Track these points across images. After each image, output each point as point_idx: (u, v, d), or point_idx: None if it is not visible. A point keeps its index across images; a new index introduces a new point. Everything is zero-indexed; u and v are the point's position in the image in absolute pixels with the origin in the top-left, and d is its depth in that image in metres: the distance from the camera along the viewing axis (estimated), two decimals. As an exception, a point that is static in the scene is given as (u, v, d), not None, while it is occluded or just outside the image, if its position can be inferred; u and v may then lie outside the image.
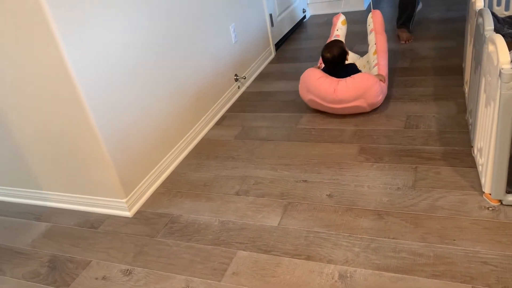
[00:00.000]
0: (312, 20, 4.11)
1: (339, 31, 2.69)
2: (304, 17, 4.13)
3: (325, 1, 4.11)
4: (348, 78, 2.18)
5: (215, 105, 2.55)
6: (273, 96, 2.73)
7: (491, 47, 1.44)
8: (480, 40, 1.64)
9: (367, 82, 2.14)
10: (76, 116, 1.69)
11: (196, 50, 2.35)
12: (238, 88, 2.83)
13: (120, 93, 1.82)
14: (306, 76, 2.32)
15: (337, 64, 2.30)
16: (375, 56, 2.43)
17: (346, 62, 2.34)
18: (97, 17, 1.68)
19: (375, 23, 2.52)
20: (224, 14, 2.65)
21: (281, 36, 3.60)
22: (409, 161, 1.87)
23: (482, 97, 1.58)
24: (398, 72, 2.69)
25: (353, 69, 2.30)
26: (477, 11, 1.77)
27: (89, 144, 1.76)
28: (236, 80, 2.80)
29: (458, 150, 1.87)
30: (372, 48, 2.49)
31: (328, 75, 2.25)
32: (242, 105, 2.69)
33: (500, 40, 1.37)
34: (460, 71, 2.53)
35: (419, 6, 3.36)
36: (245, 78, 2.89)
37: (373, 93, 2.16)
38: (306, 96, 2.35)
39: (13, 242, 1.89)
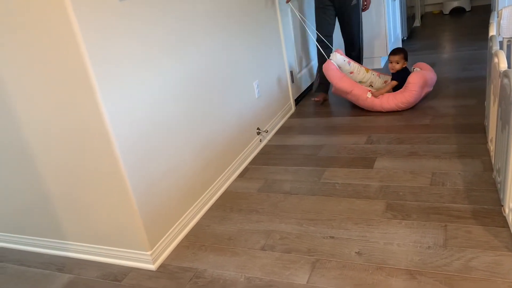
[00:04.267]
0: (330, 76, 4.21)
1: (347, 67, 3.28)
2: (322, 73, 4.25)
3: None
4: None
5: (238, 158, 2.58)
6: (295, 149, 2.75)
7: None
8: (507, 101, 1.66)
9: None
10: (107, 165, 1.72)
11: (223, 105, 2.41)
12: (260, 141, 2.87)
13: (150, 145, 1.86)
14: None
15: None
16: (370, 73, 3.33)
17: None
18: (134, 73, 1.75)
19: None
20: (250, 71, 2.74)
21: (301, 92, 3.69)
22: (437, 219, 1.84)
23: (513, 156, 1.58)
24: (420, 129, 2.71)
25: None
26: (502, 72, 1.81)
27: (118, 194, 1.77)
28: (258, 133, 2.84)
29: (488, 209, 1.85)
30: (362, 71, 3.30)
31: None
32: (265, 158, 2.71)
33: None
34: (482, 129, 2.54)
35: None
36: (267, 132, 2.94)
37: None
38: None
39: (35, 294, 1.86)
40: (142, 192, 1.80)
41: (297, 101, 3.64)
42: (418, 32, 5.41)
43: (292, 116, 3.38)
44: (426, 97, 3.21)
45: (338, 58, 3.19)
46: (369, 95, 3.02)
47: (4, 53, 1.64)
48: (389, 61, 3.08)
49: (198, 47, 2.19)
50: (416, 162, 2.33)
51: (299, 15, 3.13)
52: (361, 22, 3.40)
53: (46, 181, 1.91)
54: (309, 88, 3.88)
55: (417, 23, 5.79)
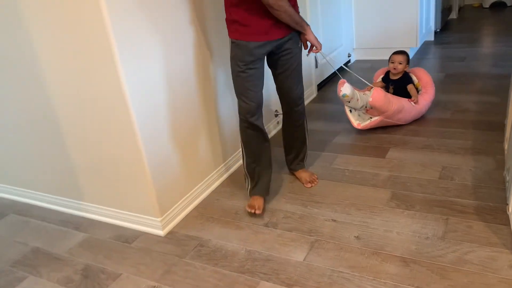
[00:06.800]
0: (357, 64, 4.20)
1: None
2: (349, 61, 4.23)
3: (371, 47, 4.20)
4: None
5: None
6: (310, 134, 2.79)
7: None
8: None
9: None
10: (125, 136, 1.82)
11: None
12: (278, 123, 2.92)
13: (166, 119, 1.94)
14: None
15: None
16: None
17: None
18: (152, 53, 1.83)
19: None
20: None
21: (324, 78, 3.70)
22: (440, 212, 1.86)
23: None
24: (438, 122, 2.70)
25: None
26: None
27: (134, 163, 1.87)
28: (276, 115, 2.89)
29: (493, 206, 1.85)
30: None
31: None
32: (280, 140, 2.76)
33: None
34: (501, 128, 2.51)
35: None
36: (285, 115, 2.98)
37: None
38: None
39: (52, 248, 2.00)
40: (157, 163, 1.90)
41: (320, 86, 3.66)
42: (454, 25, 5.27)
43: (313, 101, 3.41)
44: (449, 91, 3.17)
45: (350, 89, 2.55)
46: (412, 104, 2.70)
47: (37, 30, 1.75)
48: (390, 61, 2.78)
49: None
50: (428, 155, 2.34)
51: (324, 57, 2.35)
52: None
53: (70, 148, 2.03)
54: (333, 74, 3.89)
55: (453, 15, 5.64)
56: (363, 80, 2.66)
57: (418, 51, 4.31)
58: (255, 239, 1.86)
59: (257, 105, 1.94)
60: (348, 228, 1.85)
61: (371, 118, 2.69)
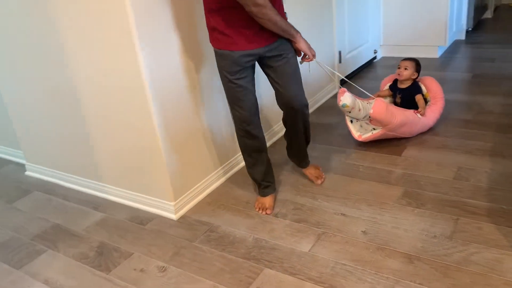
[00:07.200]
0: (383, 61, 4.15)
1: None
2: (375, 57, 4.19)
3: (398, 44, 4.15)
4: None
5: (270, 129, 2.68)
6: (329, 128, 2.80)
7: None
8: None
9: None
10: (143, 122, 1.88)
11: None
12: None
13: (183, 106, 2.00)
14: None
15: None
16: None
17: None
18: (167, 43, 1.88)
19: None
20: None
21: (348, 73, 3.69)
22: (451, 212, 1.85)
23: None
24: (460, 123, 2.66)
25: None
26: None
27: (151, 149, 1.94)
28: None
29: (506, 209, 1.83)
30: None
31: None
32: (298, 134, 2.78)
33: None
34: (525, 131, 2.46)
35: None
36: (304, 108, 2.99)
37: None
38: None
39: (71, 225, 2.10)
40: (173, 149, 1.96)
41: (343, 81, 3.64)
42: (487, 24, 5.12)
43: (334, 96, 3.40)
44: (474, 92, 3.11)
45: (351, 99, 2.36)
46: (418, 116, 2.51)
47: (66, 19, 1.83)
48: (397, 67, 2.62)
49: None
50: (445, 154, 2.31)
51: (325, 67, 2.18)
52: None
53: (93, 132, 2.12)
54: (358, 69, 3.86)
55: (488, 14, 5.47)
56: (364, 92, 2.49)
57: (447, 50, 4.22)
58: (263, 228, 1.90)
59: (252, 114, 1.85)
60: (356, 223, 1.86)
61: (374, 129, 2.50)
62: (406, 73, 2.56)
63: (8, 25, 2.13)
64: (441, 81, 3.38)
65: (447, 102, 2.96)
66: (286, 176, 2.29)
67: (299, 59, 1.90)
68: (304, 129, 2.03)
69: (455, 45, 4.37)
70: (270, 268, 1.65)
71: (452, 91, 3.17)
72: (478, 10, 4.76)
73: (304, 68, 2.36)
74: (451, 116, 2.76)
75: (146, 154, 1.98)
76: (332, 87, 3.43)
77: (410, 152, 2.39)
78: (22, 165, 2.77)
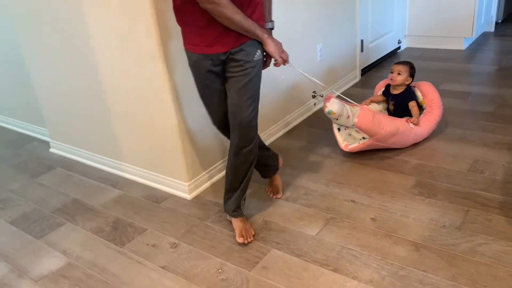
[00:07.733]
0: (407, 52, 4.09)
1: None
2: (399, 47, 4.13)
3: (423, 35, 4.07)
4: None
5: (287, 116, 2.70)
6: (346, 117, 2.80)
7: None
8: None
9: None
10: (161, 105, 1.94)
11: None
12: (314, 105, 2.95)
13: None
14: None
15: None
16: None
17: None
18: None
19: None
20: (313, 34, 2.79)
21: (370, 63, 3.65)
22: (462, 203, 1.84)
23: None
24: (480, 116, 2.62)
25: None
26: None
27: (167, 131, 1.99)
28: (314, 97, 2.92)
29: (519, 203, 1.81)
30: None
31: None
32: (314, 122, 2.80)
33: None
34: (547, 126, 2.40)
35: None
36: (322, 97, 3.00)
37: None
38: None
39: (89, 201, 2.19)
40: (189, 132, 2.01)
41: (365, 71, 3.62)
42: (519, 17, 4.96)
43: (355, 85, 3.39)
44: (498, 85, 3.04)
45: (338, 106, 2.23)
46: (411, 125, 2.29)
47: (90, 14, 1.89)
48: (390, 71, 2.42)
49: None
50: (462, 147, 2.29)
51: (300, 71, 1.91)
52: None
53: (114, 113, 2.19)
54: (380, 59, 3.82)
55: (521, 6, 5.29)
56: (349, 100, 2.28)
57: (474, 41, 4.12)
58: (274, 210, 1.93)
59: (220, 127, 1.75)
60: (366, 210, 1.87)
61: (363, 138, 2.35)
62: (400, 78, 2.37)
63: (40, 8, 2.20)
64: (464, 73, 3.34)
65: (469, 95, 2.92)
66: (299, 161, 2.31)
67: (273, 62, 1.70)
68: (246, 163, 1.75)
69: (483, 37, 4.26)
70: (277, 249, 1.69)
71: (475, 83, 3.11)
72: (509, 2, 4.62)
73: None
74: (473, 109, 2.72)
75: (163, 136, 2.04)
76: (353, 76, 3.41)
77: (427, 143, 2.37)
78: (47, 143, 2.88)
